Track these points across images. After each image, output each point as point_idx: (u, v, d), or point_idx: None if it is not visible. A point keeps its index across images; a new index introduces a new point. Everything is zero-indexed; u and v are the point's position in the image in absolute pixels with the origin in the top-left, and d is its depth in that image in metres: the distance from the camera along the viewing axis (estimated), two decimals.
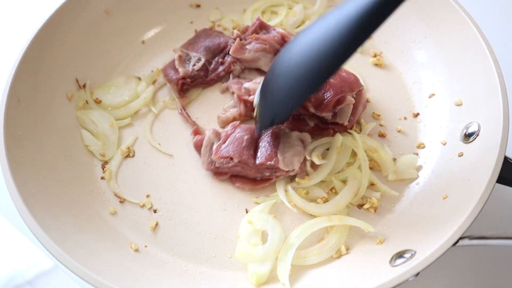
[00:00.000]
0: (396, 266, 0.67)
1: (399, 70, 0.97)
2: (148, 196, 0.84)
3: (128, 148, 0.89)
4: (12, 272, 0.86)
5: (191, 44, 0.99)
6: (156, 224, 0.81)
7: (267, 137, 0.83)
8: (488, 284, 0.80)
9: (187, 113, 0.93)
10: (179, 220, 0.81)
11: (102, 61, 0.98)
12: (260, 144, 0.83)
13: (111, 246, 0.76)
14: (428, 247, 0.64)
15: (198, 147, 0.87)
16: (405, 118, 0.90)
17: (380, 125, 0.90)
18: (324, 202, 0.80)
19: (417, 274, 0.63)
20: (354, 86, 0.84)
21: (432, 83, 0.91)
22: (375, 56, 0.99)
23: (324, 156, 0.83)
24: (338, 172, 0.83)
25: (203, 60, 0.96)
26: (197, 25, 1.05)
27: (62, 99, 0.90)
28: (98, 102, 0.94)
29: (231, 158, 0.81)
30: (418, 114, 0.91)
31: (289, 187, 0.81)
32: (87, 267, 0.66)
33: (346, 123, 0.84)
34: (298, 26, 1.04)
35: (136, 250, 0.77)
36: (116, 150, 0.89)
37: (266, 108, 0.76)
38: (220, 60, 0.98)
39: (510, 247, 0.83)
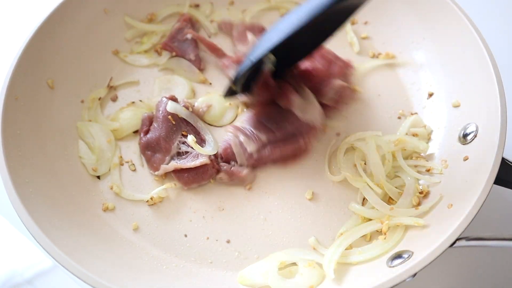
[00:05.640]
0: (393, 266, 0.67)
1: (398, 71, 0.97)
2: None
3: (120, 157, 0.88)
4: (11, 271, 0.86)
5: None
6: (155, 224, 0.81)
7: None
8: (485, 285, 0.81)
9: None
10: (178, 220, 0.82)
11: (101, 60, 0.98)
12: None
13: (109, 245, 0.76)
14: (426, 248, 0.64)
15: (228, 154, 0.84)
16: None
17: None
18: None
19: (414, 274, 0.63)
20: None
21: (430, 84, 0.91)
22: (373, 56, 0.99)
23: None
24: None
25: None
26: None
27: (61, 98, 0.90)
28: (114, 100, 0.94)
29: (261, 142, 0.82)
30: (416, 114, 0.91)
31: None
32: (85, 267, 0.66)
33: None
34: None
35: (134, 249, 0.77)
36: (109, 166, 0.86)
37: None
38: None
39: (507, 248, 0.83)
